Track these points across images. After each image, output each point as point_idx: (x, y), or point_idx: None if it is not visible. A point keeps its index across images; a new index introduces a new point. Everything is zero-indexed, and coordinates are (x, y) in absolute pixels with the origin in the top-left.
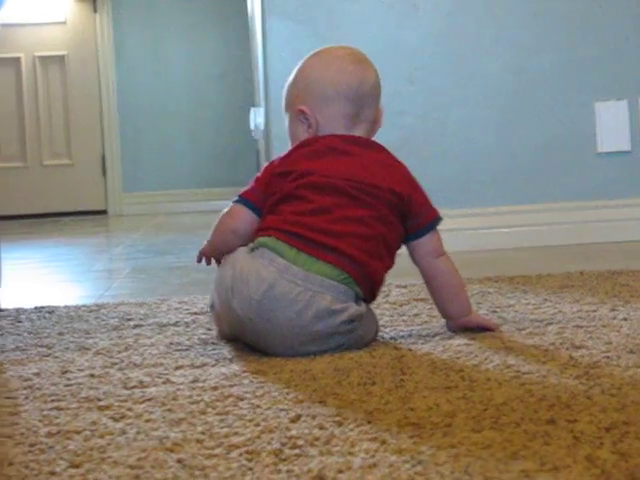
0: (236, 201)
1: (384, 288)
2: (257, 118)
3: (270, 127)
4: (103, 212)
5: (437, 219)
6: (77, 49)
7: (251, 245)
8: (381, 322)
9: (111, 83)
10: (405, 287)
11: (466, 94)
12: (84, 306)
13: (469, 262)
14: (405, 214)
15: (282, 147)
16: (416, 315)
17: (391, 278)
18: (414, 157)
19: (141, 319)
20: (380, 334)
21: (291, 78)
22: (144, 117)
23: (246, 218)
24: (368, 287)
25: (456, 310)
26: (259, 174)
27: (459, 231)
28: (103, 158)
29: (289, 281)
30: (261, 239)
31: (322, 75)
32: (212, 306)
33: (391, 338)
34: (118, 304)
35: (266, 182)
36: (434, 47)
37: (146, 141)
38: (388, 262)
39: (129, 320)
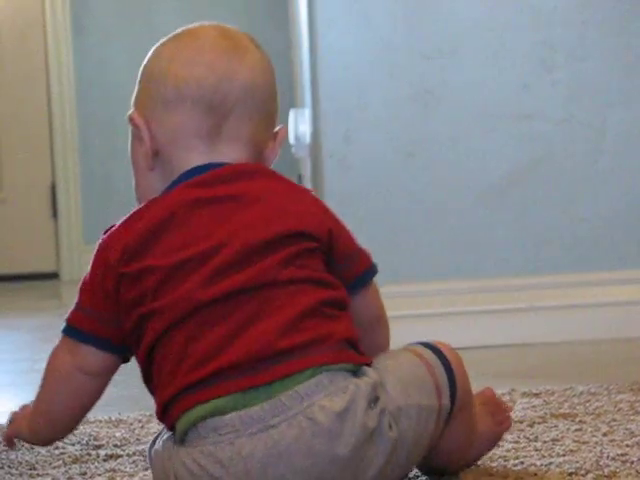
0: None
1: (505, 396)
2: (299, 126)
3: (320, 139)
4: (53, 275)
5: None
6: (12, 16)
7: (166, 436)
8: (502, 451)
9: (66, 70)
10: (538, 395)
11: None
12: None
13: None
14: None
15: (338, 170)
16: (555, 440)
17: (513, 380)
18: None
19: (117, 446)
20: (500, 467)
21: (145, 63)
22: (118, 126)
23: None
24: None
25: None
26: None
27: None
28: (53, 190)
29: (252, 436)
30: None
31: (168, 65)
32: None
33: (517, 477)
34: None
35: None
36: None
37: (120, 164)
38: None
39: (98, 448)
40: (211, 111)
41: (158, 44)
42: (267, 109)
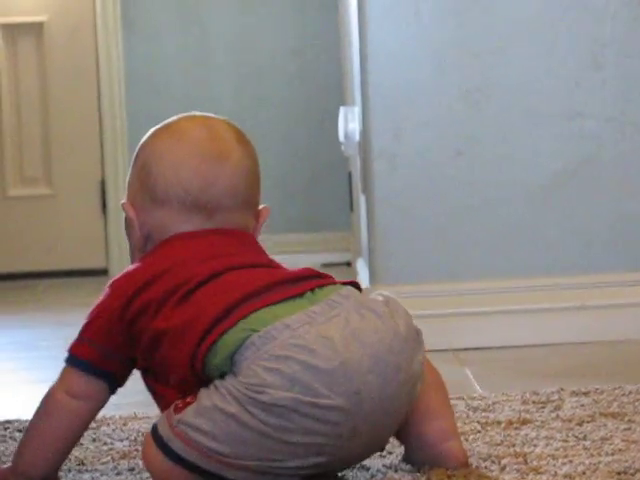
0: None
1: (554, 395)
2: (349, 123)
3: (370, 137)
4: (103, 272)
5: None
6: (63, 13)
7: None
8: (551, 449)
9: (116, 67)
10: (587, 394)
11: None
12: None
13: None
14: None
15: (387, 168)
16: (604, 439)
17: (562, 379)
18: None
19: None
20: (549, 466)
21: (138, 147)
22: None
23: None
24: None
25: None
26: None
27: None
28: (102, 185)
29: (324, 323)
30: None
31: (157, 163)
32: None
33: (565, 476)
34: (128, 418)
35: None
36: None
37: None
38: None
39: None
40: (197, 209)
41: (157, 131)
42: (248, 201)
